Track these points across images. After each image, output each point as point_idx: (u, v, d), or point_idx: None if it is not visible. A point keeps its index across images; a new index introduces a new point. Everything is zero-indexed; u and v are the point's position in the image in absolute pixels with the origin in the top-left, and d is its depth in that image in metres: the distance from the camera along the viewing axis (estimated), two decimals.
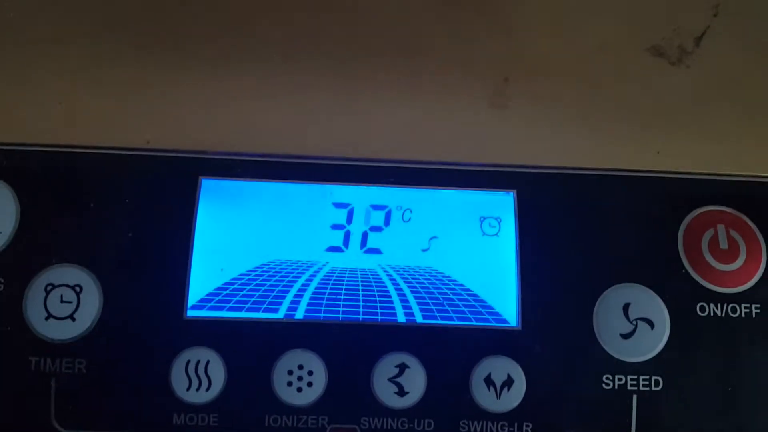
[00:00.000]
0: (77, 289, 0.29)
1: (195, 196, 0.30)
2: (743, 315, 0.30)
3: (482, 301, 0.30)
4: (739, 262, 0.30)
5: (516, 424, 0.29)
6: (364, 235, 0.31)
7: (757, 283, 0.30)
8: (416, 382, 0.29)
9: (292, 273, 0.30)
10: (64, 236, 0.29)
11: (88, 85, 0.31)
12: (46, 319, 0.28)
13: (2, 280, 0.29)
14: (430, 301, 0.30)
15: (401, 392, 0.29)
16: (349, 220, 0.31)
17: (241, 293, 0.29)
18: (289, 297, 0.30)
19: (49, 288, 0.29)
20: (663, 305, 0.30)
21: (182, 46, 0.31)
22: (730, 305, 0.30)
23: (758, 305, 0.30)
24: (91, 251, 0.29)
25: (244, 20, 0.32)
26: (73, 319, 0.28)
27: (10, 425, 0.28)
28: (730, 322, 0.30)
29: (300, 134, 0.31)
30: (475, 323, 0.29)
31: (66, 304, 0.28)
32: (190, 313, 0.29)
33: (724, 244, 0.30)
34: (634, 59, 0.34)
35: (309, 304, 0.30)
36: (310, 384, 0.29)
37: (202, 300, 0.29)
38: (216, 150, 0.31)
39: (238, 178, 0.30)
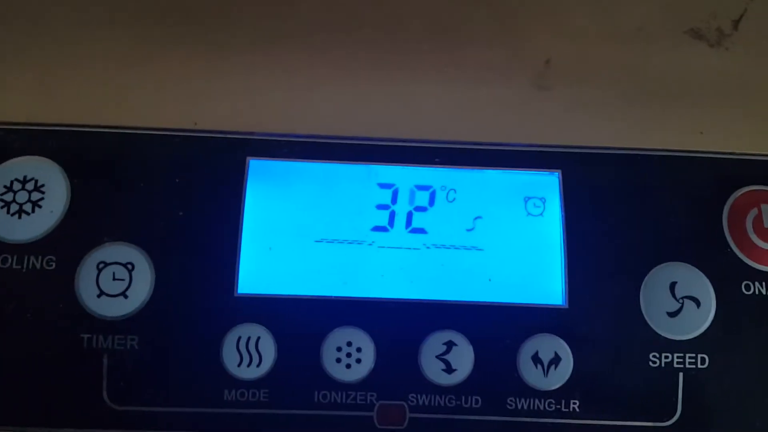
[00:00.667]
0: (129, 267, 0.29)
1: (243, 177, 0.30)
2: None
3: (528, 280, 0.30)
4: None
5: (563, 402, 0.29)
6: (409, 215, 0.31)
7: None
8: (464, 359, 0.29)
9: (339, 252, 0.30)
10: (115, 215, 0.29)
11: (138, 66, 0.31)
12: (98, 296, 0.29)
13: (54, 259, 0.29)
14: (476, 280, 0.30)
15: (449, 369, 0.29)
16: (394, 200, 0.31)
17: (290, 271, 0.30)
18: (337, 275, 0.30)
19: (101, 266, 0.29)
20: (709, 283, 0.30)
21: (229, 28, 0.32)
22: None
23: None
24: (143, 230, 0.29)
25: (290, 0, 0.32)
26: (126, 297, 0.29)
27: (63, 402, 0.29)
28: None
29: (345, 115, 0.31)
30: (521, 302, 0.30)
31: (118, 281, 0.29)
32: (241, 290, 0.29)
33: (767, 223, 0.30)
34: (673, 42, 0.34)
35: (356, 282, 0.30)
36: (358, 361, 0.29)
37: (252, 278, 0.29)
38: (263, 131, 0.31)
39: (285, 158, 0.31)
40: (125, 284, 0.29)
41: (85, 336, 0.29)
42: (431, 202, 0.31)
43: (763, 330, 0.30)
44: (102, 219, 0.29)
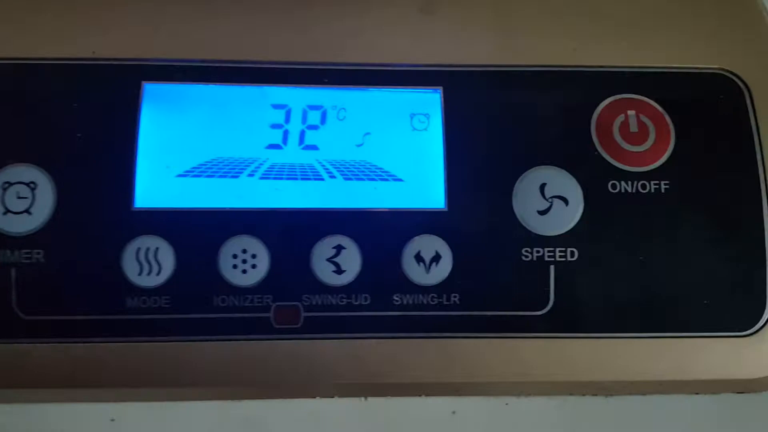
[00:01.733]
0: (32, 185, 0.31)
1: (138, 100, 0.32)
2: (652, 191, 0.32)
3: (412, 187, 0.32)
4: (648, 144, 0.33)
5: (444, 296, 0.31)
6: (302, 134, 0.33)
7: (665, 162, 0.33)
8: (352, 260, 0.31)
9: (235, 168, 0.32)
10: (16, 139, 0.31)
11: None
12: (4, 214, 0.30)
13: None
14: (364, 188, 0.32)
15: (339, 271, 0.31)
16: (287, 119, 0.33)
17: (187, 186, 0.31)
18: (232, 189, 0.32)
19: (5, 186, 0.31)
20: (576, 184, 0.32)
21: None
22: (640, 182, 0.32)
23: (667, 182, 0.32)
24: (44, 151, 0.31)
25: None
26: (30, 213, 0.30)
27: None
28: (640, 198, 0.32)
29: (238, 39, 0.33)
30: (406, 206, 0.32)
31: (22, 199, 0.30)
32: (138, 204, 0.31)
33: (634, 128, 0.33)
34: None
35: (251, 195, 0.32)
36: (254, 266, 0.31)
37: (149, 193, 0.31)
38: (157, 57, 0.33)
39: (179, 82, 0.32)
40: (29, 202, 0.31)
41: None
42: (323, 120, 0.33)
43: (629, 225, 0.32)
44: (5, 142, 0.31)
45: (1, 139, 0.31)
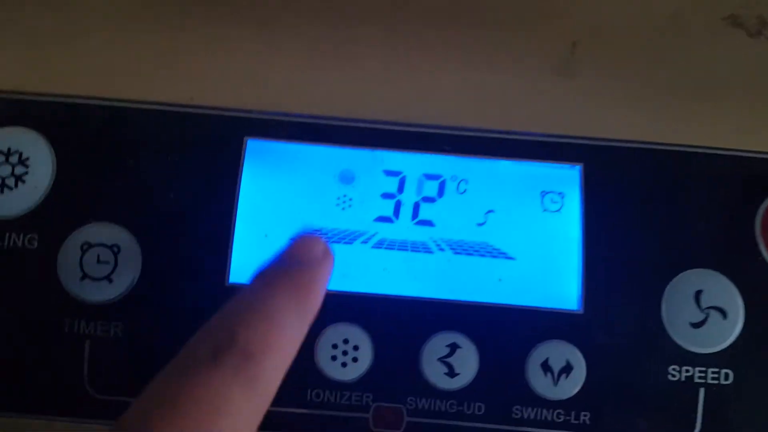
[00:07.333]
0: (115, 249, 0.27)
1: (240, 158, 0.28)
2: None
3: (541, 281, 0.28)
4: None
5: (573, 413, 0.27)
6: (416, 206, 0.29)
7: None
8: (468, 363, 0.27)
9: (339, 243, 0.28)
10: (102, 193, 0.28)
11: (132, 35, 0.29)
12: (82, 279, 0.27)
13: (36, 237, 0.27)
14: (485, 279, 0.28)
15: (451, 373, 0.27)
16: (401, 189, 0.29)
17: None
18: (336, 267, 0.28)
19: (85, 247, 0.27)
20: (737, 293, 0.27)
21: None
22: None
23: None
24: (130, 210, 0.28)
25: None
26: (110, 281, 0.27)
27: (42, 389, 0.27)
28: None
29: (352, 96, 0.29)
30: (533, 305, 0.27)
31: (103, 264, 0.27)
32: (233, 280, 0.27)
33: None
34: (710, 29, 0.32)
35: (356, 276, 0.28)
36: (355, 359, 0.27)
37: (245, 266, 0.27)
38: (263, 110, 0.29)
39: (285, 140, 0.29)
40: (110, 267, 0.27)
41: (67, 321, 0.27)
42: (440, 192, 0.29)
43: None
44: (88, 197, 0.28)
45: (84, 192, 0.28)
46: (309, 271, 0.22)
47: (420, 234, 0.29)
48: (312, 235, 0.25)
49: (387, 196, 0.29)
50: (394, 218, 0.29)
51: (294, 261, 0.22)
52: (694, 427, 0.27)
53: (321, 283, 0.22)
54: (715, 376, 0.27)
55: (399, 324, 0.27)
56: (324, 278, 0.23)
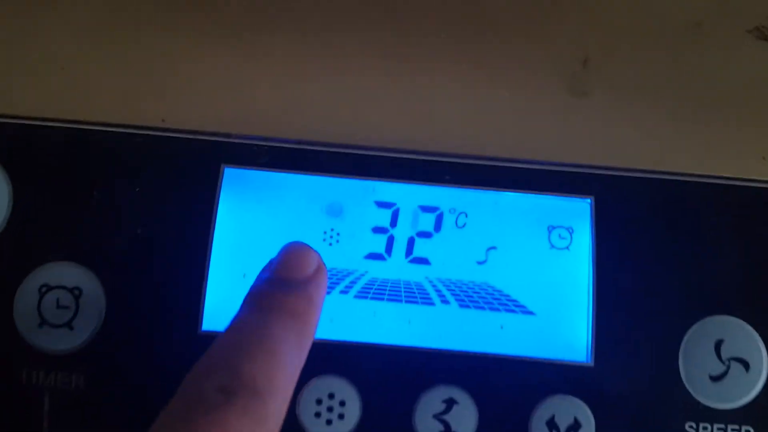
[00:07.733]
0: (76, 292, 0.25)
1: (216, 188, 0.25)
2: None
3: (547, 328, 0.26)
4: None
5: None
6: (411, 242, 0.27)
7: None
8: (466, 420, 0.24)
9: None
10: (63, 229, 0.25)
11: (96, 50, 0.26)
12: (40, 325, 0.24)
13: None
14: (485, 326, 0.26)
15: (448, 431, 0.25)
16: (394, 222, 0.27)
17: None
18: (321, 312, 0.25)
19: (43, 289, 0.25)
20: (762, 344, 0.25)
21: (208, 11, 0.27)
22: None
23: None
24: (94, 248, 0.25)
25: None
26: (71, 328, 0.24)
27: None
28: None
29: (340, 119, 0.26)
30: (537, 356, 0.25)
31: (63, 309, 0.24)
32: (206, 327, 0.25)
33: None
34: (733, 42, 0.29)
35: (342, 322, 0.25)
36: (341, 416, 0.25)
37: (220, 311, 0.25)
38: (241, 133, 0.26)
39: (266, 168, 0.26)
40: (71, 313, 0.24)
41: (24, 372, 0.24)
42: (437, 227, 0.27)
43: None
44: (47, 233, 0.25)
45: (42, 228, 0.25)
46: (305, 294, 0.22)
47: (414, 273, 0.26)
48: (303, 246, 0.23)
49: (379, 230, 0.26)
50: (386, 255, 0.26)
51: (288, 283, 0.22)
52: None
53: (318, 307, 0.22)
54: None
55: (390, 377, 0.25)
56: (320, 300, 0.22)
